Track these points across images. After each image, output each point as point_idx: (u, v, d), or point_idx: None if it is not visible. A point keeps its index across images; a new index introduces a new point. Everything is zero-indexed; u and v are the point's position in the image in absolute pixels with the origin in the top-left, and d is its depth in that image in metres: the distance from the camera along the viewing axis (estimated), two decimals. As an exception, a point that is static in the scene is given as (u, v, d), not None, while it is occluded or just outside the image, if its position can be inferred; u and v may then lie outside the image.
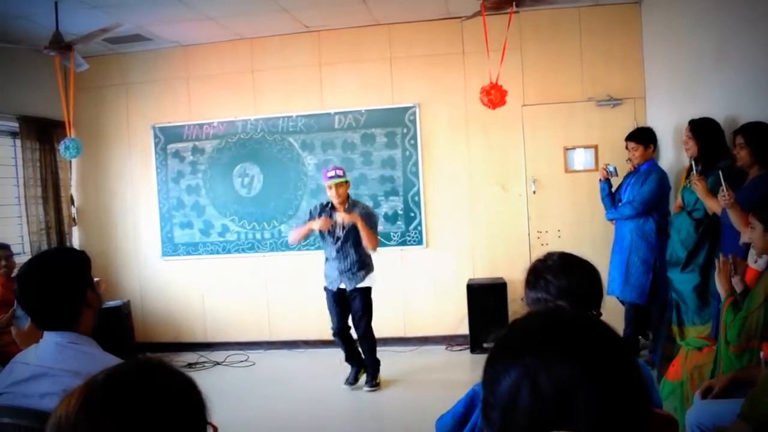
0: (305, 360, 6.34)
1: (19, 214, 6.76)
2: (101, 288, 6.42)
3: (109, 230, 7.37)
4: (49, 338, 1.91)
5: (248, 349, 6.96)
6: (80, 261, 2.06)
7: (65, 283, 1.95)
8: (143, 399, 1.04)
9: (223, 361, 6.69)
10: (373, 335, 5.61)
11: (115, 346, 6.15)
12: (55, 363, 1.83)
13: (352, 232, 5.42)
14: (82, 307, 1.97)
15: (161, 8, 5.77)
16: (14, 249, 6.41)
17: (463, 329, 6.57)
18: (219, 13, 6.13)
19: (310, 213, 5.61)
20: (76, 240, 7.31)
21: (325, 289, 5.61)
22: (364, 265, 5.53)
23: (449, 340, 6.76)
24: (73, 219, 7.26)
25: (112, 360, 1.83)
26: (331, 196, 5.42)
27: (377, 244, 5.51)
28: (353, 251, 5.46)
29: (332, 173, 5.40)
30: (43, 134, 6.70)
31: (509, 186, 6.68)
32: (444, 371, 6.10)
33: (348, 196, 5.50)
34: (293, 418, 5.14)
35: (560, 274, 2.00)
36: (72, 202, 7.24)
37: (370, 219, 5.43)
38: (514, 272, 6.38)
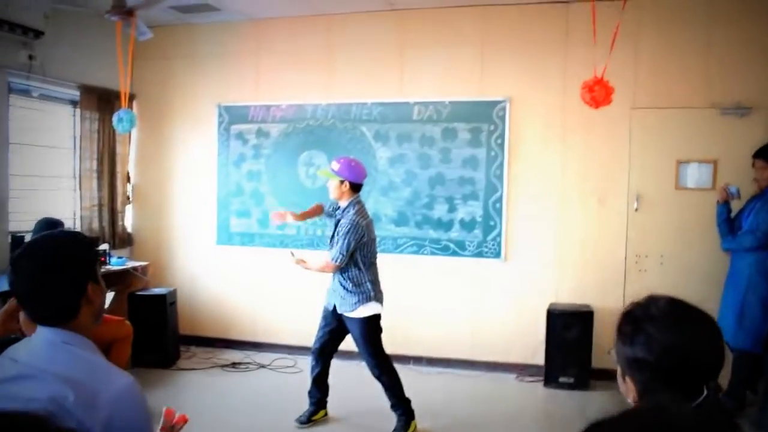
0: (357, 373, 5.66)
1: (74, 188, 6.42)
2: (148, 272, 6.08)
3: (164, 211, 6.99)
4: (42, 334, 1.75)
5: (297, 354, 6.41)
6: (84, 249, 1.84)
7: (62, 273, 1.74)
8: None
9: (269, 364, 6.25)
10: (389, 369, 4.63)
11: (158, 337, 5.88)
12: (45, 364, 1.67)
13: (333, 237, 4.62)
14: (81, 302, 1.76)
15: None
16: (67, 224, 6.12)
17: (539, 359, 5.82)
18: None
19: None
20: (129, 219, 6.96)
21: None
22: (354, 290, 4.55)
23: (521, 370, 6.00)
24: (128, 197, 6.90)
25: (105, 367, 1.71)
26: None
27: (328, 270, 4.59)
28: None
29: (332, 162, 4.67)
30: (103, 105, 6.37)
31: (607, 200, 5.82)
32: (511, 404, 5.41)
33: (349, 199, 4.58)
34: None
35: (668, 328, 1.58)
36: (128, 178, 6.85)
37: (341, 236, 4.48)
38: (603, 300, 5.80)
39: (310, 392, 4.86)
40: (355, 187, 4.60)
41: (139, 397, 1.69)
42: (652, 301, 1.65)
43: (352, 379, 5.54)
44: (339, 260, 4.45)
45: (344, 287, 4.55)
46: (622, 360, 1.63)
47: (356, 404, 5.21)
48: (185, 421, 2.17)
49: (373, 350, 4.59)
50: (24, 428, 0.99)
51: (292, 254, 4.62)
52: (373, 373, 4.65)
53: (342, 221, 4.51)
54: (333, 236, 4.59)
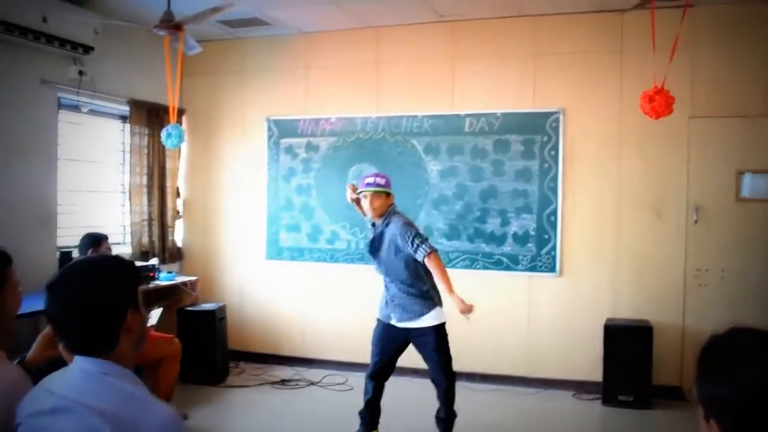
0: (410, 390, 5.55)
1: (122, 202, 6.44)
2: (197, 287, 6.05)
3: (214, 226, 6.98)
4: (78, 364, 1.66)
5: (348, 371, 6.32)
6: (124, 274, 1.74)
7: (99, 301, 1.64)
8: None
9: (319, 382, 6.15)
10: (453, 379, 4.49)
11: (207, 353, 5.82)
12: (80, 396, 1.59)
13: (390, 245, 4.40)
14: (120, 331, 1.66)
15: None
16: (115, 239, 6.17)
17: (596, 376, 5.63)
18: (344, -4, 5.52)
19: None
20: (179, 234, 6.96)
21: (377, 319, 4.68)
22: (421, 297, 4.42)
23: (578, 387, 5.83)
24: (178, 212, 6.89)
25: (145, 400, 1.62)
26: (365, 206, 4.49)
27: (439, 261, 4.28)
28: (401, 272, 4.42)
29: (371, 180, 4.45)
30: (153, 119, 6.40)
31: (665, 212, 5.66)
32: (568, 423, 5.27)
33: (389, 211, 4.48)
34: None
35: (758, 365, 1.36)
36: (178, 193, 6.86)
37: (409, 235, 4.28)
38: (662, 315, 5.65)
39: (362, 414, 4.67)
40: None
41: (181, 428, 1.62)
42: (736, 333, 1.48)
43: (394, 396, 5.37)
44: (430, 246, 4.25)
45: (412, 296, 4.40)
46: (704, 400, 1.46)
47: (401, 422, 5.06)
48: None
49: (447, 357, 4.46)
50: None
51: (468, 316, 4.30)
52: (437, 379, 4.47)
53: (390, 230, 4.38)
54: (385, 246, 4.43)
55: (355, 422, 4.70)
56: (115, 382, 1.63)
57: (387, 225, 4.43)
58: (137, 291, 1.74)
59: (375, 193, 4.41)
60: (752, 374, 1.36)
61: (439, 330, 4.42)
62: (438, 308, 4.43)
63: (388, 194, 4.46)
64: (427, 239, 4.30)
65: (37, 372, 2.45)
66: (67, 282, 1.66)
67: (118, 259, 1.80)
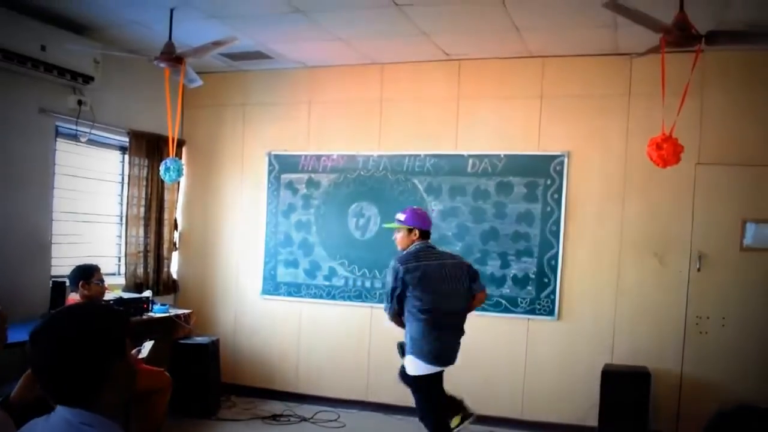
0: (402, 429, 5.46)
1: (118, 233, 6.36)
2: (191, 321, 5.94)
3: (211, 259, 6.91)
4: (60, 413, 1.63)
5: (341, 408, 6.28)
6: (111, 327, 1.70)
7: (82, 354, 1.61)
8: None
9: (311, 418, 6.06)
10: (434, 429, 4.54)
11: (199, 386, 5.72)
12: None
13: None
14: (104, 382, 1.63)
15: (285, 24, 5.22)
16: (109, 270, 6.07)
17: (592, 421, 5.56)
18: (349, 34, 5.49)
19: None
20: (174, 266, 6.86)
21: None
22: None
23: (574, 431, 5.71)
24: (174, 243, 6.81)
25: None
26: None
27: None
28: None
29: (398, 215, 4.68)
30: (152, 150, 6.33)
31: (668, 259, 5.60)
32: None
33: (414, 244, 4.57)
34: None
35: None
36: (175, 225, 6.79)
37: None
38: (661, 362, 5.59)
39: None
40: (424, 234, 4.59)
41: None
42: (744, 414, 1.38)
43: None
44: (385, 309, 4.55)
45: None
46: None
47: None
48: None
49: (423, 406, 4.57)
50: None
51: None
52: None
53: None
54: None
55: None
56: None
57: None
58: (124, 342, 1.70)
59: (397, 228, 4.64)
60: None
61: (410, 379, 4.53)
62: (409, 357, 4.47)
63: (410, 229, 4.57)
64: (388, 295, 4.48)
65: (25, 409, 2.41)
66: (51, 332, 1.63)
67: (105, 308, 1.78)
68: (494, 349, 5.96)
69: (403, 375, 4.56)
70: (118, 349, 1.67)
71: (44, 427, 1.65)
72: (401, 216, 4.59)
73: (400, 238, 4.60)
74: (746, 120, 5.45)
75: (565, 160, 5.77)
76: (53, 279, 5.35)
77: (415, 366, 4.41)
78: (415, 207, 4.89)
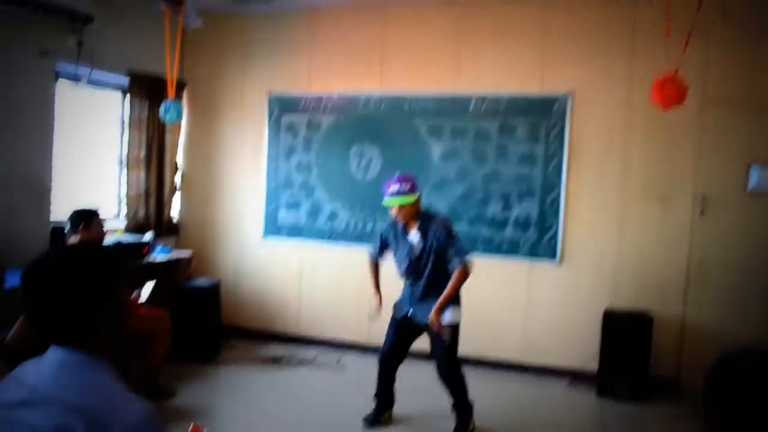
0: (402, 373, 5.48)
1: (119, 175, 6.35)
2: (192, 264, 5.95)
3: (212, 202, 6.88)
4: (53, 354, 1.61)
5: (342, 351, 6.31)
6: (104, 266, 1.67)
7: (74, 292, 1.59)
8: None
9: (312, 360, 6.07)
10: (460, 376, 4.45)
11: (200, 329, 5.74)
12: (53, 389, 1.55)
13: (429, 251, 4.31)
14: (98, 322, 1.62)
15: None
16: (109, 214, 6.07)
17: (593, 366, 5.55)
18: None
19: (381, 237, 4.57)
20: (175, 208, 6.85)
21: (394, 306, 4.63)
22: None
23: (574, 377, 5.74)
24: (175, 186, 6.78)
25: (120, 394, 1.57)
26: (394, 215, 4.37)
27: (465, 277, 4.25)
28: (429, 273, 4.36)
29: (394, 188, 4.25)
30: (153, 92, 6.23)
31: (671, 202, 5.54)
32: (562, 413, 5.17)
33: (419, 212, 4.35)
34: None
35: None
36: (176, 167, 6.76)
37: (449, 243, 4.23)
38: (664, 306, 5.56)
39: (377, 393, 4.70)
40: None
41: (157, 426, 1.55)
42: (747, 358, 1.41)
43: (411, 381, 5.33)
44: (469, 259, 4.24)
45: (438, 294, 4.26)
46: (710, 422, 1.41)
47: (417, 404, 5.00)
48: None
49: (455, 357, 4.42)
50: None
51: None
52: (448, 377, 4.42)
53: (432, 230, 4.27)
54: (422, 253, 4.33)
55: (347, 401, 4.70)
56: (90, 374, 1.59)
57: (428, 224, 4.31)
58: (117, 280, 1.69)
59: (401, 205, 4.27)
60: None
61: (457, 328, 4.36)
62: (456, 307, 4.35)
63: (413, 202, 4.28)
64: (466, 246, 4.28)
65: (24, 351, 2.39)
66: (42, 272, 1.61)
67: (97, 248, 1.73)
68: (495, 293, 5.95)
69: (454, 329, 4.34)
70: (110, 289, 1.67)
71: (36, 370, 1.63)
72: (405, 187, 4.24)
73: (407, 212, 4.29)
74: (753, 62, 5.33)
75: (569, 100, 5.68)
76: (53, 224, 5.32)
77: (460, 313, 4.37)
78: (401, 174, 4.38)
